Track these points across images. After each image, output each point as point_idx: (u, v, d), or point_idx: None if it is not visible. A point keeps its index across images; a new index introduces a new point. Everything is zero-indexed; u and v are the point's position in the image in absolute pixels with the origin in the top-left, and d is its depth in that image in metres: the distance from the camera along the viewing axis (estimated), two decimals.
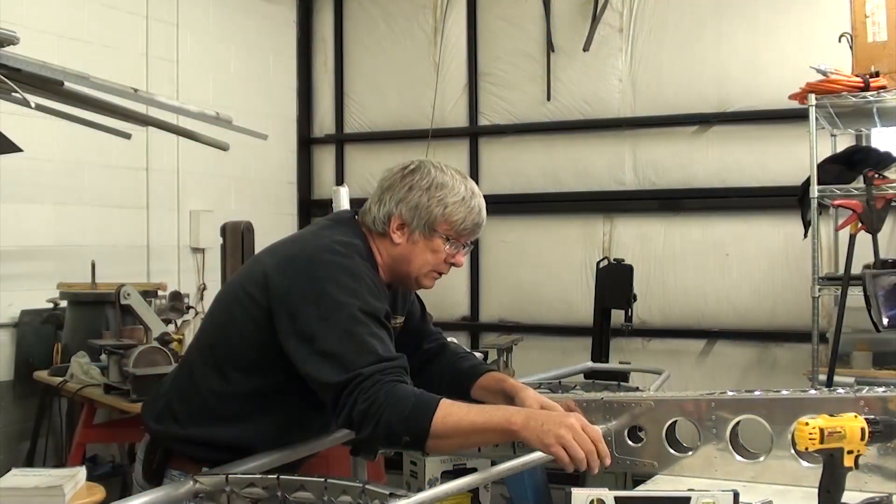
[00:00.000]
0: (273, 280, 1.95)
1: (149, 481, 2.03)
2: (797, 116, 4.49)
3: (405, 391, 1.83)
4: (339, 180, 6.19)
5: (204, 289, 5.01)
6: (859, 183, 3.88)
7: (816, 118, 4.03)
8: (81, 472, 2.83)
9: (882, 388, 1.96)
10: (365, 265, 2.00)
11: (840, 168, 4.15)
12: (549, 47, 5.66)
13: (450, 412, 1.81)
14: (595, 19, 5.49)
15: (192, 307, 4.55)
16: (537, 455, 1.93)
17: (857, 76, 3.93)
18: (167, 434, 2.03)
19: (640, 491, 1.96)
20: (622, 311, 4.70)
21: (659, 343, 5.43)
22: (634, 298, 4.73)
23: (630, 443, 2.11)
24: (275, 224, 5.86)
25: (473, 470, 2.03)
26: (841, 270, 4.04)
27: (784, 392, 1.99)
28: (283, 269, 1.96)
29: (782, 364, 5.11)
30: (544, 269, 5.72)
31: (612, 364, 4.43)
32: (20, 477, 2.74)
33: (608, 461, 1.79)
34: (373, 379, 1.82)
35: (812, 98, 3.96)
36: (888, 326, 3.62)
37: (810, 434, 1.65)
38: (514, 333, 5.19)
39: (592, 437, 1.76)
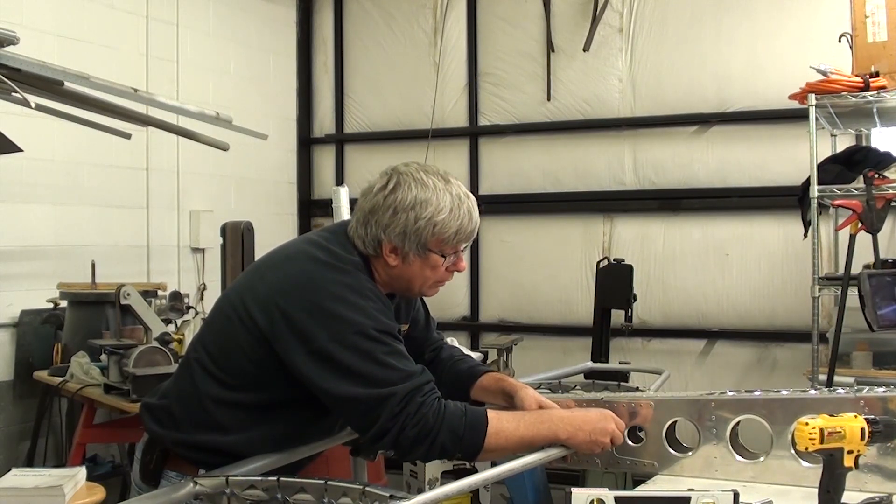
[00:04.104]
0: (278, 301, 1.90)
1: (146, 482, 2.03)
2: (797, 116, 4.50)
3: (454, 410, 1.88)
4: (339, 180, 6.19)
5: (204, 289, 5.01)
6: (859, 183, 3.88)
7: (816, 118, 4.03)
8: (81, 472, 2.83)
9: (882, 388, 1.96)
10: (367, 280, 1.98)
11: (840, 168, 4.15)
12: (549, 47, 5.66)
13: (500, 428, 1.90)
14: (595, 19, 5.49)
15: (192, 307, 4.54)
16: (537, 455, 1.94)
17: (857, 76, 3.93)
18: (166, 437, 2.02)
19: (640, 491, 1.96)
20: (622, 311, 4.70)
21: (659, 343, 5.43)
22: (634, 298, 4.72)
23: (630, 443, 2.11)
24: (275, 224, 5.87)
25: (474, 470, 2.04)
26: (841, 270, 4.04)
27: (784, 392, 1.99)
28: (287, 290, 1.92)
29: (782, 364, 5.11)
30: (544, 269, 5.72)
31: (612, 364, 4.43)
32: (20, 477, 2.74)
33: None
34: (414, 402, 1.84)
35: (812, 98, 3.96)
36: (882, 326, 3.62)
37: (810, 434, 1.65)
38: (513, 333, 5.19)
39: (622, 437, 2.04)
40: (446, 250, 2.02)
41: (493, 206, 5.52)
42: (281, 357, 1.91)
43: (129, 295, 3.83)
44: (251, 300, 1.96)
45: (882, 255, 3.98)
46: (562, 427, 1.96)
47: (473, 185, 5.81)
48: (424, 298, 2.34)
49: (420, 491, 2.69)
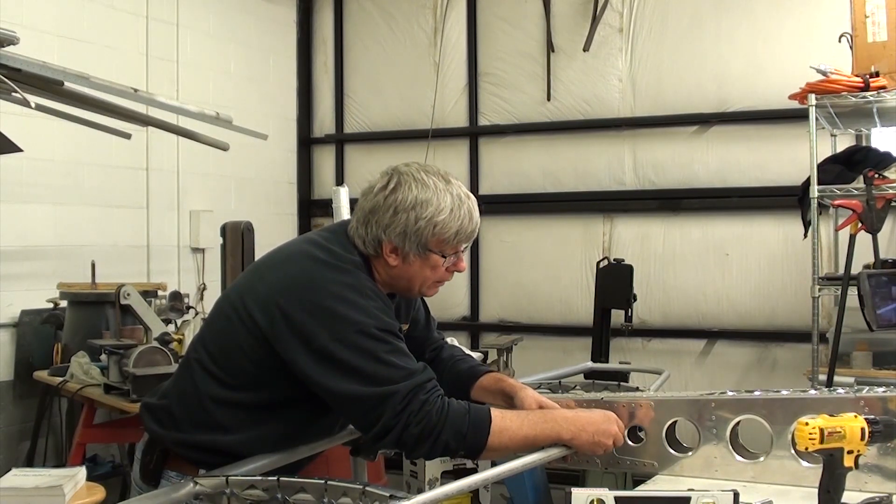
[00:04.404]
0: (278, 301, 1.90)
1: (146, 482, 2.03)
2: (797, 116, 4.50)
3: (457, 408, 1.89)
4: (339, 180, 6.19)
5: (204, 289, 5.01)
6: (859, 183, 3.88)
7: (816, 118, 4.03)
8: (81, 472, 2.82)
9: (882, 388, 1.96)
10: (367, 279, 1.98)
11: (840, 168, 4.15)
12: (549, 47, 5.66)
13: (504, 427, 1.90)
14: (595, 19, 5.49)
15: (192, 307, 4.55)
16: (538, 455, 1.94)
17: (857, 76, 3.93)
18: (166, 437, 2.02)
19: (640, 491, 1.96)
20: (622, 311, 4.70)
21: (659, 343, 5.43)
22: (634, 298, 4.72)
23: (630, 443, 2.11)
24: (275, 224, 5.87)
25: (474, 470, 2.04)
26: (841, 270, 4.04)
27: (784, 392, 1.99)
28: (287, 289, 1.92)
29: (782, 364, 5.11)
30: (544, 269, 5.72)
31: (612, 364, 4.43)
32: (20, 477, 2.74)
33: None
34: (417, 400, 1.84)
35: (812, 98, 3.96)
36: (881, 326, 3.62)
37: (810, 434, 1.65)
38: (513, 333, 5.18)
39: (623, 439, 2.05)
40: (447, 250, 2.02)
41: (493, 206, 5.52)
42: (282, 357, 1.91)
43: (129, 295, 3.83)
44: (251, 300, 1.96)
45: (882, 255, 3.98)
46: (565, 427, 1.96)
47: (473, 185, 5.81)
48: (425, 298, 2.34)
49: (420, 491, 2.69)
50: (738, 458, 2.01)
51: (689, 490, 1.75)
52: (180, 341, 4.00)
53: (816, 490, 1.71)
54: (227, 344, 1.99)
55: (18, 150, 3.66)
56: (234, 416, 1.97)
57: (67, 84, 3.41)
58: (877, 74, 3.89)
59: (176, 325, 4.30)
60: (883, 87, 3.88)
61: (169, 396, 2.07)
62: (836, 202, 4.14)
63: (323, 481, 1.77)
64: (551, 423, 1.96)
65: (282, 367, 1.91)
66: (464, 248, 2.06)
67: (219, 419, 1.97)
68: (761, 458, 1.99)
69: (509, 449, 1.94)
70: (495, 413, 1.92)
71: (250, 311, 1.94)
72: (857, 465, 1.69)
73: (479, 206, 2.06)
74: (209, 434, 1.97)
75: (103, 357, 3.77)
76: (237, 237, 4.19)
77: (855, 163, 4.16)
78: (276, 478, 1.80)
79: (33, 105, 3.26)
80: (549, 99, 5.68)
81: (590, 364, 3.99)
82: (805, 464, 1.91)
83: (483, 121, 5.93)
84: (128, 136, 4.40)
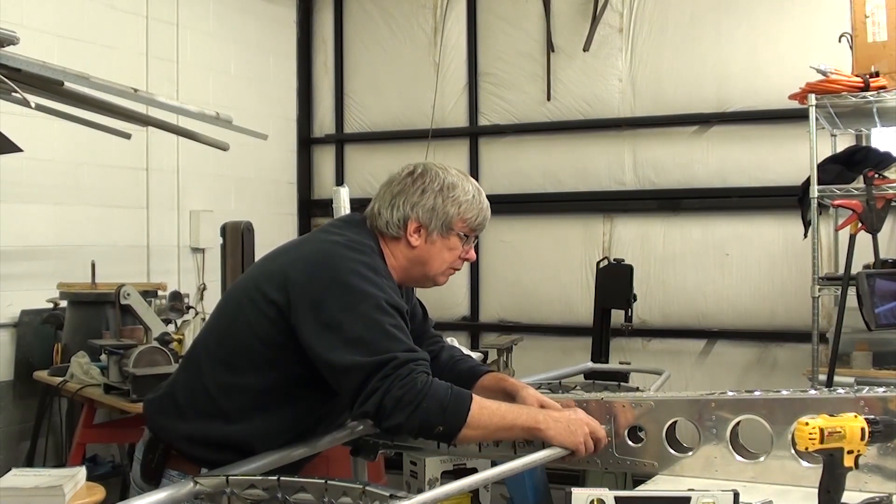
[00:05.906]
0: (293, 275, 1.97)
1: (147, 481, 2.03)
2: (797, 116, 4.50)
3: (441, 383, 1.92)
4: (339, 180, 6.19)
5: (204, 289, 5.01)
6: (859, 183, 3.88)
7: (816, 118, 4.03)
8: (81, 472, 2.82)
9: (882, 388, 1.96)
10: (381, 262, 2.06)
11: (840, 168, 4.15)
12: (549, 47, 5.67)
13: (483, 405, 1.93)
14: (595, 19, 5.49)
15: (192, 307, 4.55)
16: (538, 455, 1.95)
17: (857, 76, 3.93)
18: (170, 430, 2.03)
19: (640, 491, 1.96)
20: (622, 311, 4.70)
21: (659, 343, 5.43)
22: (634, 298, 4.72)
23: (630, 443, 2.11)
24: (275, 224, 5.87)
25: (474, 470, 2.04)
26: (841, 270, 4.04)
27: (784, 392, 1.99)
28: (303, 264, 1.99)
29: (782, 364, 5.11)
30: (544, 269, 5.72)
31: (613, 364, 4.43)
32: (20, 477, 2.74)
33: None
34: (408, 367, 1.87)
35: (812, 98, 3.96)
36: (879, 326, 3.62)
37: (810, 434, 1.65)
38: (513, 333, 5.19)
39: (602, 433, 2.02)
40: (466, 232, 2.15)
41: (493, 206, 5.37)
42: (293, 328, 1.93)
43: (129, 295, 3.83)
44: (264, 279, 2.02)
45: (882, 255, 3.98)
46: (542, 416, 1.98)
47: None
48: (424, 301, 2.39)
49: (420, 491, 2.69)
50: (738, 458, 2.01)
51: (689, 490, 1.75)
52: (180, 341, 4.00)
53: (816, 490, 1.70)
54: (235, 325, 2.02)
55: (18, 150, 3.66)
56: (238, 403, 1.99)
57: (67, 84, 3.41)
58: (877, 74, 3.89)
59: (176, 325, 4.30)
60: (883, 87, 3.88)
61: (173, 385, 2.10)
62: (836, 202, 4.14)
63: (323, 481, 1.77)
64: (527, 410, 2.00)
65: (289, 345, 1.95)
66: (475, 237, 2.20)
67: (223, 407, 1.99)
68: (761, 458, 1.99)
69: (488, 429, 1.94)
70: (475, 395, 1.96)
71: (263, 290, 1.99)
72: (857, 465, 1.69)
73: None
74: (213, 423, 1.99)
75: (103, 357, 3.77)
76: (237, 237, 4.19)
77: (855, 163, 4.16)
78: (276, 477, 1.80)
79: (33, 105, 3.26)
80: (549, 99, 5.68)
81: (590, 364, 3.99)
82: (805, 464, 1.91)
83: (483, 121, 5.93)
84: (128, 136, 4.40)
